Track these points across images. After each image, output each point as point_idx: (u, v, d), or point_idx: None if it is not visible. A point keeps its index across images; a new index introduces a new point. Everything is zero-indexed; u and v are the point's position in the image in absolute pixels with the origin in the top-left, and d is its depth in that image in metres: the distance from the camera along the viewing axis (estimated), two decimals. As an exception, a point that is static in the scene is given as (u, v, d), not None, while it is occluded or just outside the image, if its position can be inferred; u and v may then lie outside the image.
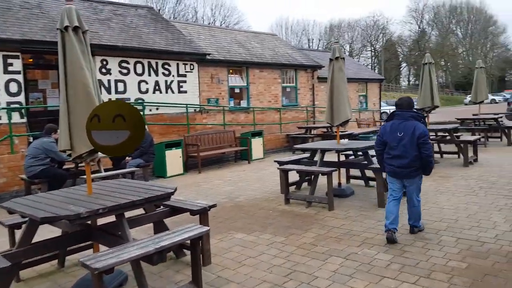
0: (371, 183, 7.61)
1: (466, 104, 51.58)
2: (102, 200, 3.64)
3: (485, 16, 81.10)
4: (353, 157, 7.83)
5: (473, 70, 13.28)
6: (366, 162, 6.81)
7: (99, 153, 3.94)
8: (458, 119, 13.58)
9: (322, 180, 6.73)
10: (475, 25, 79.90)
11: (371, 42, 76.78)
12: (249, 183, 8.74)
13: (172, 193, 3.83)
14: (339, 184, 7.07)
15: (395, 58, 79.93)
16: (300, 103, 16.48)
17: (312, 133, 14.50)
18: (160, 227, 4.33)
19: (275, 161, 7.78)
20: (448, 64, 75.61)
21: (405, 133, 4.53)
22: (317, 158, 7.05)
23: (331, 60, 6.84)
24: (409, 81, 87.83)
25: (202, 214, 4.29)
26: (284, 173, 6.62)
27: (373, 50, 77.38)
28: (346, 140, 6.95)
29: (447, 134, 10.38)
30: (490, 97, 54.36)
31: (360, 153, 7.33)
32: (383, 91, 49.39)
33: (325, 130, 14.97)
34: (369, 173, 7.38)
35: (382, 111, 24.67)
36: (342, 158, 8.00)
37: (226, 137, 12.07)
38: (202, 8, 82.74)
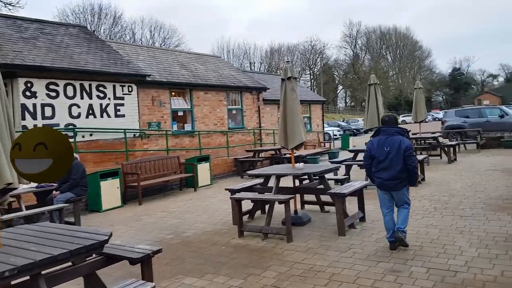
0: (327, 208, 7.26)
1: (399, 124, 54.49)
2: (12, 256, 2.81)
3: (412, 42, 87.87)
4: (307, 181, 7.44)
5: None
6: (323, 186, 6.43)
7: (20, 187, 3.18)
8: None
9: (276, 207, 6.23)
10: (403, 50, 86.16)
11: (309, 65, 79.65)
12: (197, 214, 8.01)
13: (106, 241, 3.08)
14: (295, 211, 6.61)
15: (332, 81, 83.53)
16: (247, 126, 16.09)
17: (261, 156, 14.10)
18: (91, 282, 3.52)
19: (226, 189, 7.16)
20: (381, 86, 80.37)
21: (391, 147, 4.86)
22: (271, 184, 6.56)
23: (283, 80, 6.47)
24: (346, 103, 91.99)
25: (144, 263, 3.56)
26: (237, 203, 6.03)
27: (312, 74, 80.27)
28: (301, 164, 6.54)
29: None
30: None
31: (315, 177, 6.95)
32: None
33: (273, 152, 14.65)
34: (324, 197, 7.02)
35: (324, 131, 25.08)
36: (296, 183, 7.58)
37: (169, 164, 11.26)
38: (140, 30, 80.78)
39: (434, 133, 15.60)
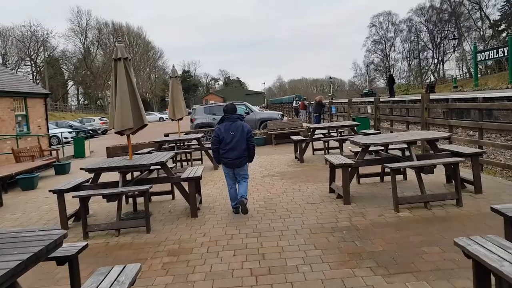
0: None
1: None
2: None
3: (145, 42, 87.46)
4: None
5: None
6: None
7: None
8: (155, 141, 10.58)
9: None
10: (137, 49, 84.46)
11: (30, 55, 66.84)
12: None
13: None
14: None
15: (61, 76, 73.21)
16: None
17: None
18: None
19: None
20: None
21: (236, 131, 5.80)
22: None
23: None
24: (78, 100, 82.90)
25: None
26: None
27: (33, 65, 67.73)
28: None
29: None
30: (158, 115, 57.41)
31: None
32: (49, 111, 42.62)
33: None
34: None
35: (51, 134, 19.20)
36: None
37: None
38: None
39: (188, 132, 13.25)
